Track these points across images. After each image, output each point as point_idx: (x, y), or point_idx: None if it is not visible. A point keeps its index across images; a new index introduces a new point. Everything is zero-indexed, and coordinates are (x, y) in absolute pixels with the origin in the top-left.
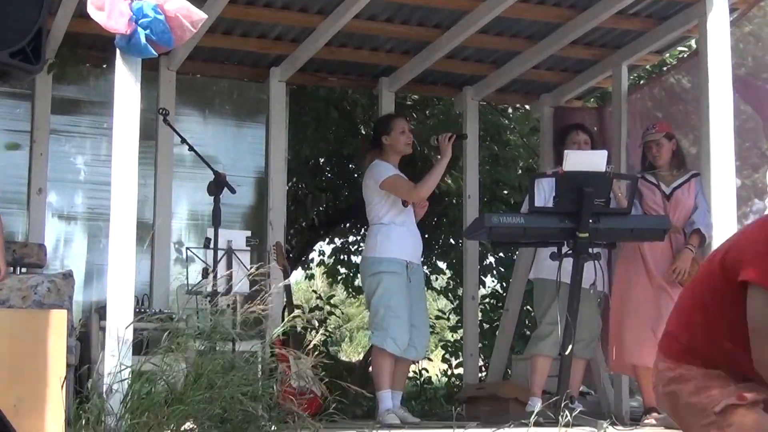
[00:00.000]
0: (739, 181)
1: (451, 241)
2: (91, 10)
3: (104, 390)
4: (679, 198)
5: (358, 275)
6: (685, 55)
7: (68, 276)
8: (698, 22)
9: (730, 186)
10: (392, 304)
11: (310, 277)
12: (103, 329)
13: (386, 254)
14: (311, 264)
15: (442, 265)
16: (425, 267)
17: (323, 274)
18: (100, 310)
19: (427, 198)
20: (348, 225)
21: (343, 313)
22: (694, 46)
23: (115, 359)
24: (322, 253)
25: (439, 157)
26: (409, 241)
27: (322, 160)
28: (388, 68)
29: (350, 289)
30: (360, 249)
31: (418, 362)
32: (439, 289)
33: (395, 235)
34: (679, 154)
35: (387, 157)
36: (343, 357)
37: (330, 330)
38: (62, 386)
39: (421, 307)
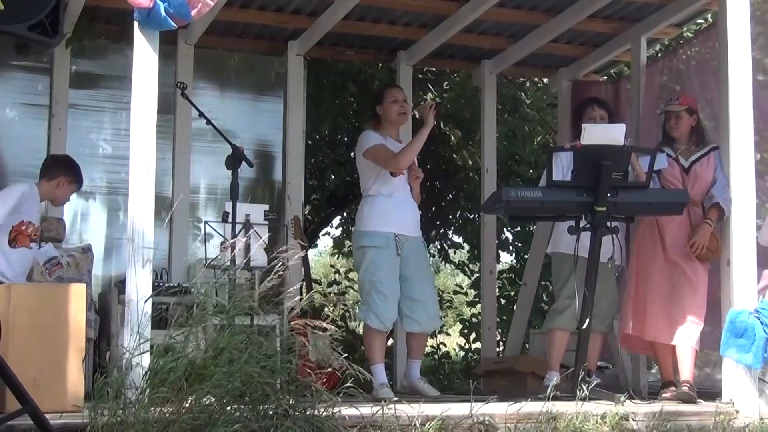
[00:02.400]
0: (758, 155)
1: (468, 215)
2: None
3: (124, 363)
4: (698, 172)
5: None
6: (702, 27)
7: (87, 250)
8: None
9: (749, 159)
10: (375, 279)
11: (334, 254)
12: (122, 303)
13: (371, 227)
14: (330, 237)
15: (458, 239)
16: (443, 242)
17: (332, 246)
18: (120, 284)
19: (406, 167)
20: None
21: None
22: (711, 19)
23: (135, 333)
24: (332, 226)
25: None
26: (398, 213)
27: (340, 135)
28: (405, 42)
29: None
30: None
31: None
32: (456, 263)
33: (380, 207)
34: (699, 129)
35: (382, 128)
36: (361, 331)
37: (348, 304)
38: (83, 360)
39: (420, 279)
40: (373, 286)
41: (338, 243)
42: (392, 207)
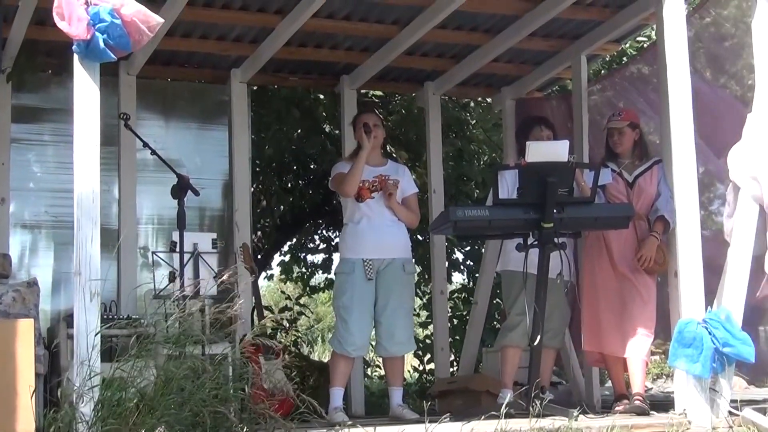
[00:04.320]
0: (702, 167)
1: (418, 237)
2: (57, 19)
3: (74, 398)
4: (642, 185)
5: (315, 274)
6: (646, 45)
7: (33, 284)
8: (655, 9)
9: (692, 172)
10: (339, 305)
11: (270, 277)
12: (71, 337)
13: (341, 255)
14: (271, 264)
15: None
16: None
17: (280, 272)
18: (68, 318)
19: (353, 193)
20: (313, 225)
21: (312, 313)
22: (654, 35)
23: (85, 367)
24: (281, 252)
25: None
26: (367, 238)
27: (286, 161)
28: (348, 66)
29: (306, 288)
30: (317, 247)
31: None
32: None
33: (348, 234)
34: (641, 144)
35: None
36: (315, 357)
37: (300, 331)
38: (32, 396)
39: (390, 303)
40: (338, 312)
41: (287, 269)
42: (360, 233)
